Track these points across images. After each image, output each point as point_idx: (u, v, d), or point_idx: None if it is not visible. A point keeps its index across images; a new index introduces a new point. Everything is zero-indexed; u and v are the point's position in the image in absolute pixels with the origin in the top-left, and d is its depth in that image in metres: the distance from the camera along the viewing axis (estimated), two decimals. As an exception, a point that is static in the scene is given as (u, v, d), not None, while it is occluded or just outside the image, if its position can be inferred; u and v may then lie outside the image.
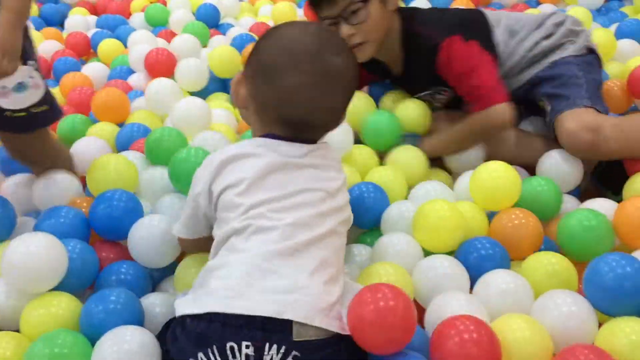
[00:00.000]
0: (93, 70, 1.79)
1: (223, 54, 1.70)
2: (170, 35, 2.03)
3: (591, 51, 1.38)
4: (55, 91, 1.67)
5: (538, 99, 1.33)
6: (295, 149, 0.88)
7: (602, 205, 1.11)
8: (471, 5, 2.16)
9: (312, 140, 0.91)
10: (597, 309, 0.89)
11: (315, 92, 0.86)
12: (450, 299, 0.90)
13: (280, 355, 0.73)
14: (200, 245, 0.97)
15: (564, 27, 1.37)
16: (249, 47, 1.31)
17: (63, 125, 1.44)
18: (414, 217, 1.06)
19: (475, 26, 1.36)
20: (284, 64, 0.85)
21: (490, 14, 1.40)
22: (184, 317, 0.78)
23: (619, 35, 1.75)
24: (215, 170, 0.87)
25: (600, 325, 0.88)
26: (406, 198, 1.20)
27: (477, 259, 1.00)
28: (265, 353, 0.73)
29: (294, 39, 0.87)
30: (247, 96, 0.90)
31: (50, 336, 0.85)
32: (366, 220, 1.13)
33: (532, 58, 1.36)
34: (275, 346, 0.73)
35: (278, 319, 0.74)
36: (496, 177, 1.11)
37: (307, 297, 0.76)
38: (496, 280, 0.94)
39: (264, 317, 0.74)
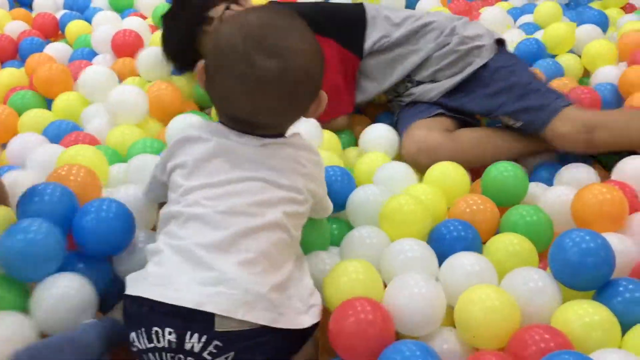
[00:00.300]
0: (56, 50, 1.75)
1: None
2: (140, 18, 2.00)
3: (498, 41, 1.41)
4: (21, 72, 1.64)
5: (494, 116, 1.35)
6: (248, 139, 0.86)
7: (563, 192, 1.13)
8: (444, -2, 2.16)
9: (271, 135, 0.88)
10: (562, 284, 0.91)
11: (249, 96, 0.82)
12: (409, 279, 0.90)
13: (201, 344, 0.74)
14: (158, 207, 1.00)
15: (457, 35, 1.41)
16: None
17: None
18: (381, 212, 1.06)
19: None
20: (218, 66, 0.83)
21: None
22: (125, 296, 0.81)
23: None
24: (172, 148, 0.90)
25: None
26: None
27: (449, 240, 1.02)
28: (187, 340, 0.74)
29: (226, 40, 0.82)
30: (205, 86, 0.89)
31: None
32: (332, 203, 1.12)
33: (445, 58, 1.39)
34: (196, 335, 0.74)
35: (200, 310, 0.74)
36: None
37: (233, 289, 0.76)
38: (462, 262, 0.95)
39: (186, 308, 0.75)
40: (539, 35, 1.79)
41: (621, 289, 0.88)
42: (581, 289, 0.90)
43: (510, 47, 1.69)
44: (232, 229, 0.80)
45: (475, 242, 1.03)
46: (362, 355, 0.81)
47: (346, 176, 1.16)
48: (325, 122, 1.37)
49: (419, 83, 1.43)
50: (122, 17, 2.02)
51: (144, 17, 2.01)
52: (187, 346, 0.74)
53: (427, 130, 1.30)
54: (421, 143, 1.28)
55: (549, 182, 1.26)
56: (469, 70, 1.37)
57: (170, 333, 0.75)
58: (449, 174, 1.18)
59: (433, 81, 1.42)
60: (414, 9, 2.12)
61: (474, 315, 0.84)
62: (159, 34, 1.71)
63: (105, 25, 1.79)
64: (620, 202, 1.02)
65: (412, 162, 1.26)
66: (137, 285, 0.80)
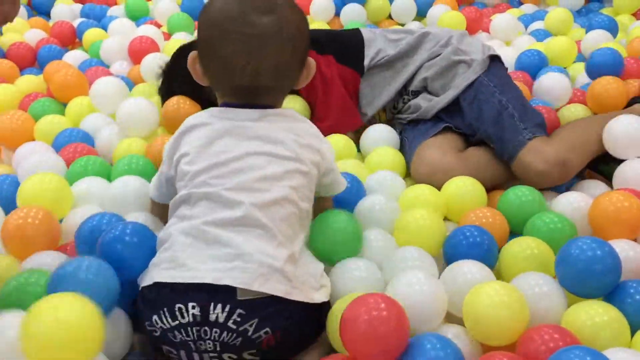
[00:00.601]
0: (74, 58, 1.79)
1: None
2: (155, 26, 2.04)
3: (492, 57, 1.38)
4: (39, 79, 1.68)
5: (479, 138, 1.33)
6: (247, 114, 0.89)
7: (576, 199, 1.13)
8: (455, 4, 2.18)
9: (270, 106, 0.92)
10: (568, 291, 0.91)
11: (251, 57, 0.86)
12: (411, 276, 0.90)
13: (225, 314, 0.77)
14: (163, 212, 0.98)
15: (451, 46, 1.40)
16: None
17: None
18: (396, 227, 1.08)
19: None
20: (214, 35, 0.87)
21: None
22: (142, 289, 0.83)
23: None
24: (175, 140, 0.91)
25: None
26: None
27: (465, 247, 1.01)
28: (211, 312, 0.77)
29: (219, 8, 0.88)
30: (202, 73, 0.93)
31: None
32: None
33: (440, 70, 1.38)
34: (219, 305, 0.77)
35: (220, 284, 0.77)
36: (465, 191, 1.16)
37: (248, 263, 0.78)
38: (462, 270, 0.94)
39: (206, 283, 0.77)
40: (547, 41, 1.80)
41: (631, 290, 0.89)
42: (587, 297, 0.90)
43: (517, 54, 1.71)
44: (243, 206, 0.82)
45: (491, 249, 1.02)
46: (375, 354, 0.79)
47: (355, 183, 1.16)
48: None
49: (414, 94, 1.43)
50: (138, 25, 2.07)
51: (159, 25, 2.05)
52: (212, 317, 0.76)
53: (439, 151, 1.29)
54: (434, 165, 1.26)
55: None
56: (463, 84, 1.35)
57: (193, 307, 0.77)
58: (465, 188, 1.17)
59: (426, 90, 1.41)
60: (425, 16, 2.14)
61: (482, 310, 0.84)
62: (172, 41, 1.75)
63: (116, 36, 1.83)
64: (638, 209, 1.03)
65: (423, 182, 1.24)
66: (150, 274, 0.82)
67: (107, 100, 1.42)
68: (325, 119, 1.39)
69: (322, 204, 1.03)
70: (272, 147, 0.87)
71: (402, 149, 1.40)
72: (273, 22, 0.86)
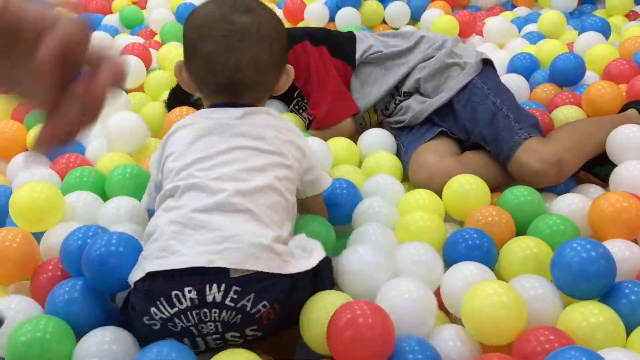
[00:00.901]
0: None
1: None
2: (150, 35, 2.05)
3: (485, 61, 1.39)
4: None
5: (474, 141, 1.33)
6: (230, 112, 0.92)
7: (574, 200, 1.14)
8: (448, 8, 2.19)
9: (251, 105, 0.95)
10: (563, 292, 0.91)
11: (231, 52, 0.90)
12: (402, 282, 0.90)
13: (221, 293, 0.78)
14: None
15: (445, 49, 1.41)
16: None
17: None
18: (396, 229, 1.09)
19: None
20: (198, 36, 0.92)
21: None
22: (135, 284, 0.83)
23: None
24: (162, 143, 0.95)
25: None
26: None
27: (465, 249, 1.02)
28: (207, 293, 0.77)
29: (201, 12, 0.93)
30: (188, 79, 0.97)
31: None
32: (338, 216, 1.13)
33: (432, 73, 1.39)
34: (215, 285, 0.78)
35: (212, 267, 0.78)
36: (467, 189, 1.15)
37: (237, 244, 0.80)
38: (463, 272, 0.94)
39: (198, 267, 0.78)
40: (540, 44, 1.81)
41: (627, 290, 0.89)
42: (582, 298, 0.90)
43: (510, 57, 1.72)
44: (227, 192, 0.83)
45: (490, 251, 1.02)
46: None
47: (352, 189, 1.16)
48: (333, 125, 1.39)
49: (406, 95, 1.43)
50: (132, 33, 2.08)
51: (154, 34, 2.06)
52: (209, 298, 0.77)
53: (436, 155, 1.29)
54: (432, 169, 1.26)
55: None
56: (456, 86, 1.35)
57: (190, 291, 0.77)
58: (469, 186, 1.16)
59: (418, 92, 1.42)
60: (419, 20, 2.15)
61: (480, 309, 0.84)
62: (165, 49, 1.76)
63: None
64: (638, 210, 1.03)
65: (422, 187, 1.24)
66: (141, 267, 0.82)
67: (106, 111, 1.40)
68: (321, 105, 1.40)
69: (313, 206, 1.04)
70: (255, 142, 0.90)
71: (397, 154, 1.41)
72: (252, 20, 0.92)
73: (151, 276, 0.80)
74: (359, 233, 1.07)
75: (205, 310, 0.78)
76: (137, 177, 1.16)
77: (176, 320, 0.79)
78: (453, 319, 0.97)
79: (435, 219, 1.09)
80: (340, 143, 1.33)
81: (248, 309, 0.79)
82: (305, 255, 0.86)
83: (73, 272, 0.95)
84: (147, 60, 1.72)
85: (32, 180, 1.12)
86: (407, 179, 1.33)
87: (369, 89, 1.45)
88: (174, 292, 0.78)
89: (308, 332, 0.85)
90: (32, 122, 1.44)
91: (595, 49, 1.65)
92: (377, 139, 1.39)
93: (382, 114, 1.49)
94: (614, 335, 0.83)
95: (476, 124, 1.30)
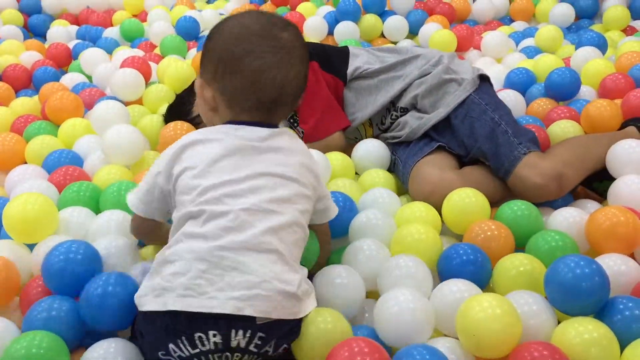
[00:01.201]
0: (71, 80, 1.81)
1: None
2: (149, 47, 2.06)
3: (481, 77, 1.40)
4: (34, 100, 1.69)
5: (473, 156, 1.33)
6: (255, 132, 0.90)
7: (572, 214, 1.14)
8: (446, 22, 2.21)
9: (275, 125, 0.93)
10: (557, 309, 0.91)
11: (278, 70, 0.88)
12: (397, 294, 0.92)
13: (246, 339, 0.78)
14: (149, 230, 0.98)
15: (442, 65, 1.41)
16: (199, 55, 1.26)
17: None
18: (392, 242, 1.09)
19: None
20: (243, 50, 0.88)
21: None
22: (149, 312, 0.80)
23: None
24: (175, 153, 0.89)
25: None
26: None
27: (458, 264, 1.02)
28: (232, 338, 0.78)
29: (236, 27, 0.90)
30: (213, 96, 0.92)
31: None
32: (335, 228, 1.12)
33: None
34: (241, 331, 0.78)
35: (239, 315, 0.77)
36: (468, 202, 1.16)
37: (267, 291, 0.79)
38: (451, 289, 0.95)
39: (226, 313, 0.77)
40: (537, 58, 1.82)
41: (621, 306, 0.89)
42: (575, 314, 0.89)
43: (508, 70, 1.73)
44: (257, 229, 0.82)
45: (484, 266, 1.03)
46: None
47: (348, 202, 1.16)
48: (322, 139, 1.40)
49: (402, 111, 1.44)
50: (133, 46, 2.09)
51: (154, 46, 2.07)
52: (233, 344, 0.78)
53: (437, 169, 1.29)
54: (434, 183, 1.25)
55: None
56: (454, 102, 1.35)
57: (214, 335, 0.77)
58: (469, 199, 1.17)
59: (415, 108, 1.42)
60: (417, 34, 2.17)
61: (475, 322, 0.84)
62: (164, 62, 1.77)
63: (105, 63, 1.85)
64: (635, 224, 1.04)
65: (423, 200, 1.24)
66: (162, 300, 0.79)
67: (106, 124, 1.39)
68: (309, 120, 1.40)
69: (319, 232, 1.03)
70: (281, 169, 0.88)
71: (394, 168, 1.41)
72: (292, 37, 0.91)
73: (174, 312, 0.78)
74: (354, 248, 1.07)
75: (227, 354, 0.79)
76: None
77: (195, 359, 0.79)
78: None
79: (431, 232, 1.09)
80: (336, 157, 1.33)
81: (270, 353, 0.81)
82: (310, 289, 0.88)
83: (54, 289, 0.95)
84: (146, 73, 1.72)
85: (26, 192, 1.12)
86: (402, 193, 1.34)
87: (364, 102, 1.46)
88: (197, 334, 0.77)
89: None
90: (33, 135, 1.45)
91: (591, 64, 1.66)
92: (371, 149, 1.40)
93: (377, 128, 1.49)
94: (608, 351, 0.83)
95: (475, 140, 1.30)
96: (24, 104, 1.66)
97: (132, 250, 1.04)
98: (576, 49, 1.83)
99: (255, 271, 0.80)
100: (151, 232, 0.99)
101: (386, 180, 1.32)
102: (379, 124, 1.48)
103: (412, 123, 1.40)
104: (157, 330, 0.79)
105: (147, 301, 0.81)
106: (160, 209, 0.93)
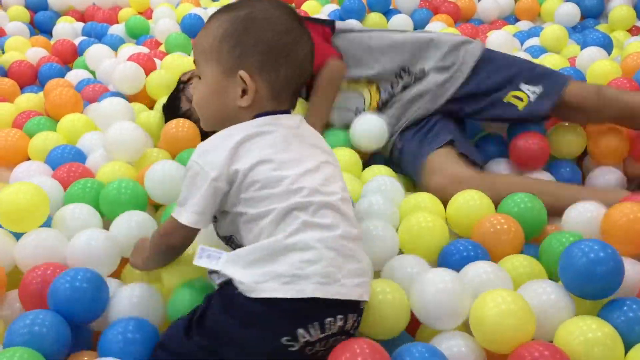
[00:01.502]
0: (76, 77, 1.81)
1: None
2: (155, 45, 2.07)
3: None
4: (38, 97, 1.69)
5: (514, 87, 1.37)
6: (292, 120, 0.93)
7: (589, 209, 1.12)
8: (451, 21, 2.21)
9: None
10: (572, 293, 0.92)
11: (313, 56, 0.95)
12: (435, 275, 0.93)
13: (354, 323, 0.86)
14: (189, 242, 0.95)
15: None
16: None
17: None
18: (400, 232, 1.10)
19: None
20: (291, 41, 0.91)
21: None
22: (271, 299, 0.79)
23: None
24: (230, 152, 0.86)
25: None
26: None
27: (458, 260, 1.02)
28: (348, 322, 0.84)
29: (271, 17, 0.92)
30: (258, 87, 0.89)
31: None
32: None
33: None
34: (354, 315, 0.85)
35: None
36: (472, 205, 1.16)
37: (368, 277, 0.88)
38: (477, 270, 0.96)
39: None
40: (541, 58, 1.82)
41: (625, 308, 0.89)
42: (591, 298, 0.91)
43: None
44: (351, 219, 0.89)
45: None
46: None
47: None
48: (321, 67, 1.41)
49: (416, 78, 1.43)
50: (138, 43, 2.09)
51: (159, 43, 2.07)
52: (347, 327, 0.84)
53: (455, 164, 1.29)
54: (454, 177, 1.26)
55: (499, 155, 1.37)
56: (471, 60, 1.40)
57: (340, 319, 0.83)
58: (474, 202, 1.16)
59: (429, 73, 1.42)
60: (422, 33, 2.17)
61: (489, 317, 0.85)
62: (169, 59, 1.77)
63: (109, 59, 1.85)
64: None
65: (438, 193, 1.22)
66: (297, 286, 0.80)
67: (109, 120, 1.39)
68: None
69: None
70: (327, 156, 0.94)
71: (398, 161, 1.41)
72: (304, 25, 0.95)
73: (308, 298, 0.79)
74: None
75: (341, 337, 0.84)
76: (132, 192, 1.17)
77: (317, 344, 0.82)
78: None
79: (438, 221, 1.10)
80: (342, 154, 1.33)
81: (355, 334, 0.87)
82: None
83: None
84: (151, 70, 1.72)
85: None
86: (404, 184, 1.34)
87: (378, 56, 1.46)
88: (328, 319, 0.81)
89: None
90: (33, 130, 1.46)
91: (597, 65, 1.66)
92: (369, 125, 1.40)
93: (388, 93, 1.46)
94: (612, 351, 0.83)
95: (517, 71, 1.38)
96: (29, 100, 1.66)
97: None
98: (581, 49, 1.82)
99: (363, 259, 0.87)
100: (188, 244, 0.96)
101: (388, 174, 1.32)
102: (389, 88, 1.46)
103: (439, 79, 1.41)
104: (281, 317, 0.80)
105: (271, 287, 0.80)
106: (213, 213, 0.89)
